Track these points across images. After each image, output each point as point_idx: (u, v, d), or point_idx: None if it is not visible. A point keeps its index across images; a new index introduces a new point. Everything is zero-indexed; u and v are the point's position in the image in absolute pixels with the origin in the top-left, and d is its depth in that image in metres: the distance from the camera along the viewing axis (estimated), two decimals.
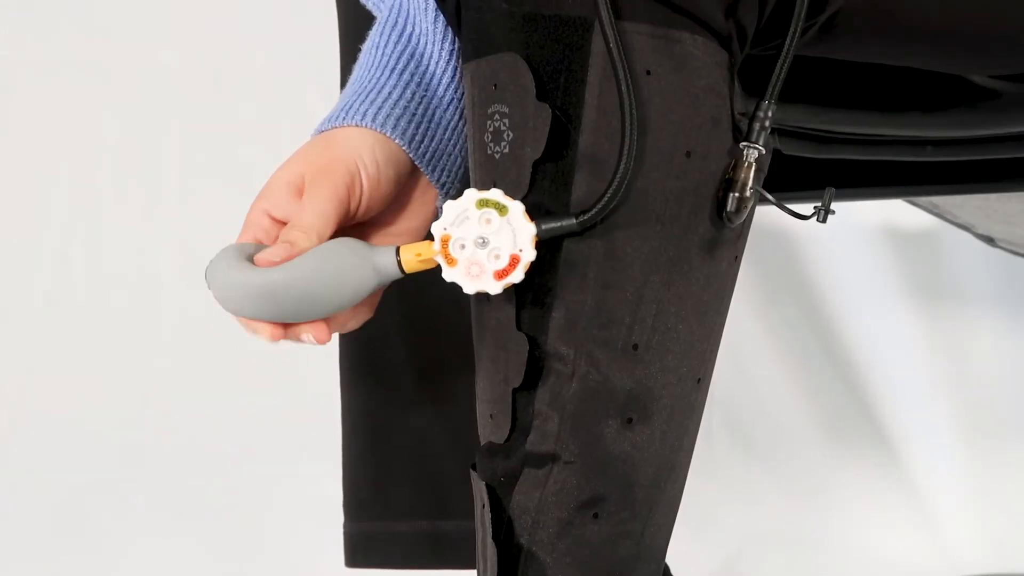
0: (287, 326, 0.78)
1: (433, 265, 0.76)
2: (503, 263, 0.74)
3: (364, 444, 1.10)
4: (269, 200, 0.81)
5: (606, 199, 0.73)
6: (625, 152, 0.72)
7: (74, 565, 1.72)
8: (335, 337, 1.08)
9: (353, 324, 0.84)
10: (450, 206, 0.75)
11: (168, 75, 2.06)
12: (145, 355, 1.99)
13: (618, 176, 0.73)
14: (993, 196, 1.28)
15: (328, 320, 0.79)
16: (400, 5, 0.87)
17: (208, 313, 1.98)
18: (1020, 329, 1.90)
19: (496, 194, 0.74)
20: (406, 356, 1.08)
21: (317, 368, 1.52)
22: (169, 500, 1.83)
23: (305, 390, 1.88)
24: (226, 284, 0.77)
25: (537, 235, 0.74)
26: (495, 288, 0.75)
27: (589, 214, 0.73)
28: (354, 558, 1.10)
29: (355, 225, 0.84)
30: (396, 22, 0.86)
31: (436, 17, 0.85)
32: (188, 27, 2.07)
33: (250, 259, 0.78)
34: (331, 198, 0.79)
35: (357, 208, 0.81)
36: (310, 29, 1.67)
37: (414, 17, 0.86)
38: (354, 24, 1.03)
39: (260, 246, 0.80)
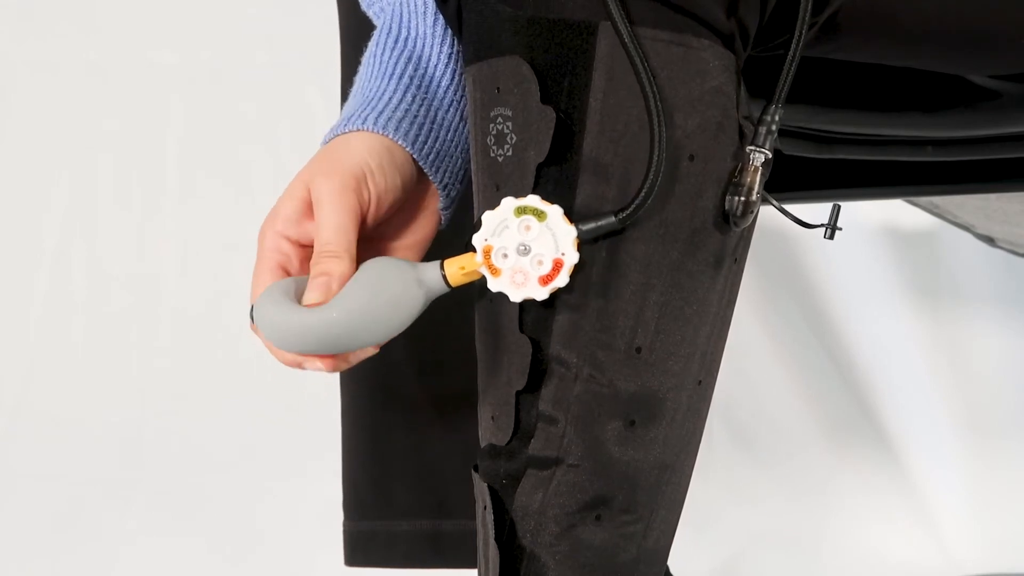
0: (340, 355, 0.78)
1: (478, 277, 0.76)
2: (547, 268, 0.74)
3: (364, 443, 1.10)
4: (281, 221, 0.80)
5: (643, 194, 0.73)
6: (657, 144, 0.72)
7: (74, 564, 1.72)
8: None
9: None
10: (489, 216, 0.74)
11: (168, 75, 2.06)
12: (145, 355, 1.99)
13: (652, 170, 0.72)
14: (993, 196, 1.28)
15: None
16: (396, 10, 0.87)
17: (208, 313, 2.00)
18: (1020, 329, 1.90)
19: (534, 200, 0.74)
20: (406, 355, 1.08)
21: None
22: (169, 500, 1.83)
23: (305, 390, 1.88)
24: (283, 329, 0.76)
25: (578, 237, 0.74)
26: (542, 294, 0.74)
27: (628, 210, 0.73)
28: (354, 557, 1.10)
29: (362, 239, 0.84)
30: (392, 28, 0.86)
31: (436, 20, 0.85)
32: (188, 27, 2.07)
33: (295, 297, 0.77)
34: (345, 208, 0.78)
35: (366, 214, 0.81)
36: (310, 29, 1.68)
37: (410, 21, 0.86)
38: (355, 26, 1.03)
39: (300, 280, 0.79)
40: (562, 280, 0.74)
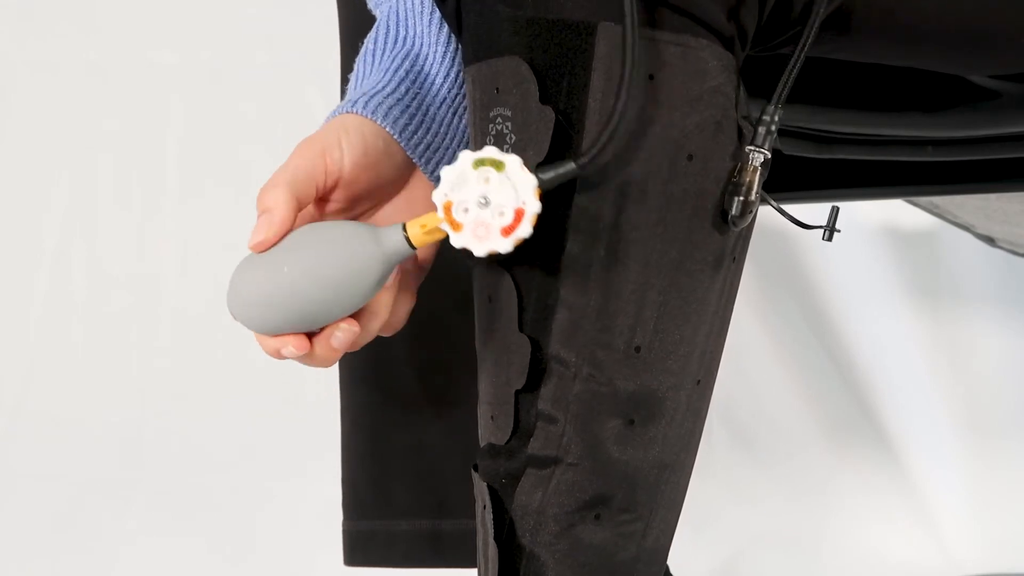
0: (314, 334, 0.77)
1: (441, 235, 0.74)
2: (508, 219, 0.72)
3: (364, 443, 1.10)
4: None
5: (605, 137, 0.71)
6: (624, 90, 0.71)
7: (74, 564, 1.72)
8: None
9: (402, 315, 0.82)
10: (447, 171, 0.73)
11: (168, 75, 2.06)
12: (145, 355, 2.00)
13: (616, 114, 0.71)
14: (993, 196, 1.28)
15: (361, 316, 0.78)
16: (393, 7, 0.87)
17: (208, 313, 1.99)
18: (1020, 329, 1.90)
19: (491, 151, 0.72)
20: (406, 355, 1.08)
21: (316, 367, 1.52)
22: (169, 500, 1.84)
23: (305, 390, 1.88)
24: (237, 293, 0.76)
25: (539, 186, 0.72)
26: (505, 246, 0.72)
27: (588, 156, 0.72)
28: (353, 557, 1.10)
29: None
30: (389, 27, 0.86)
31: (431, 19, 0.85)
32: (188, 27, 2.07)
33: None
34: (300, 154, 0.78)
35: (340, 166, 0.80)
36: (310, 29, 1.68)
37: (407, 19, 0.86)
38: (354, 26, 1.03)
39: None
40: (524, 230, 0.72)
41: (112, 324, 2.01)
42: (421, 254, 0.84)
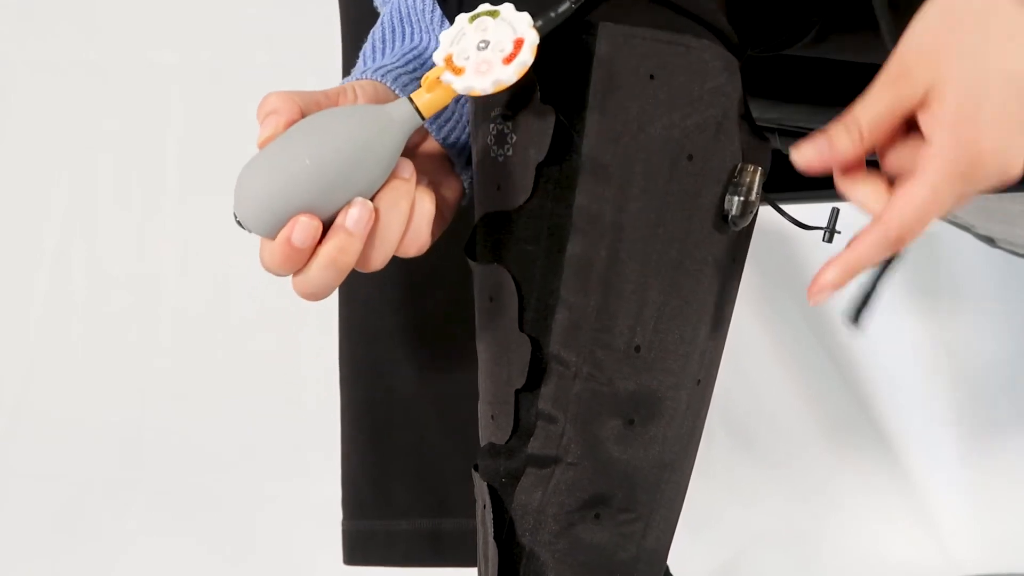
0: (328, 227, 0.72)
1: (449, 94, 0.73)
2: (508, 51, 0.71)
3: (364, 442, 1.10)
4: None
5: None
6: None
7: (74, 565, 1.72)
8: (334, 334, 1.08)
9: (424, 225, 0.75)
10: (445, 33, 0.73)
11: (168, 75, 2.06)
12: (145, 355, 2.00)
13: None
14: (993, 196, 1.28)
15: (379, 210, 0.72)
16: (396, 6, 0.87)
17: (208, 313, 2.00)
18: (1020, 329, 1.90)
19: (485, 6, 0.73)
20: (406, 355, 1.08)
21: (317, 367, 1.52)
22: (168, 500, 1.84)
23: (305, 389, 1.88)
24: (240, 189, 0.73)
25: (536, 26, 0.72)
26: (508, 74, 0.71)
27: None
28: (353, 556, 1.10)
29: None
30: (394, 25, 0.87)
31: (432, 18, 0.85)
32: (188, 27, 2.07)
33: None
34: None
35: (355, 98, 0.79)
36: (310, 29, 1.68)
37: (410, 18, 0.86)
38: (355, 24, 1.03)
39: None
40: (526, 56, 0.71)
41: (112, 324, 2.01)
42: (441, 196, 0.82)
